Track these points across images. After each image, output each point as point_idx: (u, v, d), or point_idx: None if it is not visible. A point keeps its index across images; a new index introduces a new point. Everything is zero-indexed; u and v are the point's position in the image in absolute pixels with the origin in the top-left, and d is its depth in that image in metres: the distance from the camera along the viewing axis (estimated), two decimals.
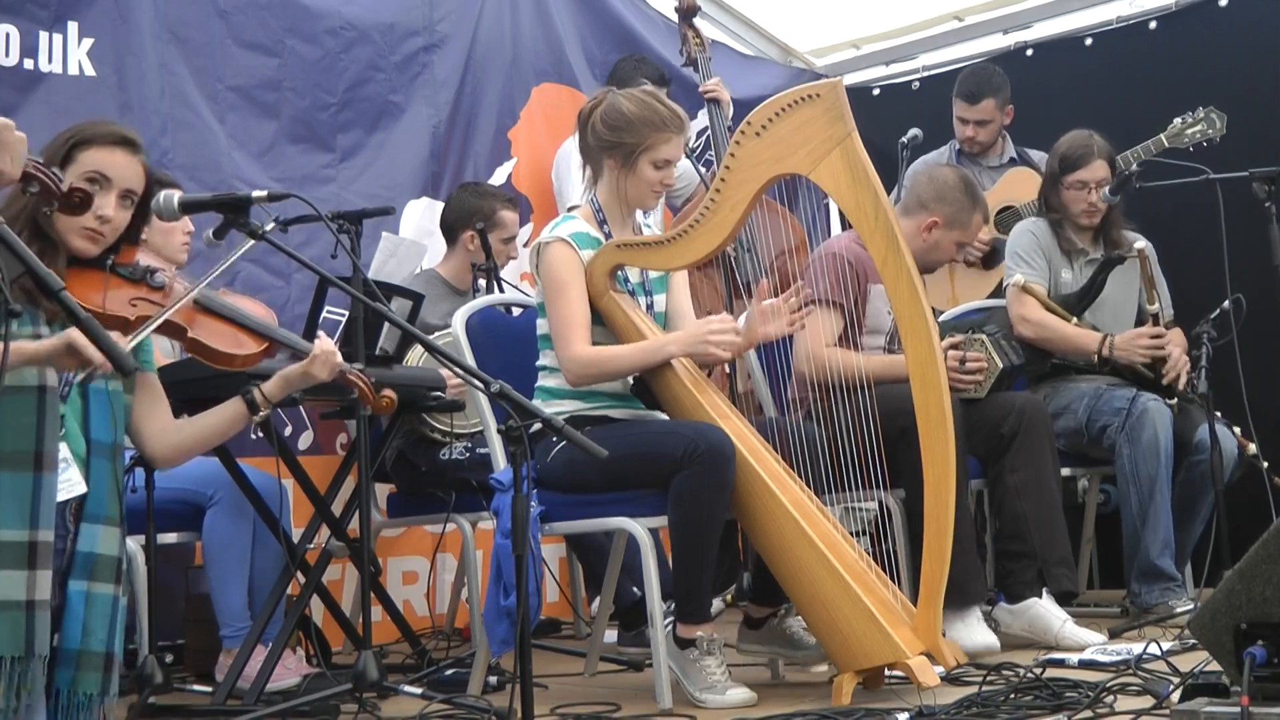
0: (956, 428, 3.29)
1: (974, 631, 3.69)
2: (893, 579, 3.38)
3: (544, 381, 3.59)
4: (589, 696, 3.49)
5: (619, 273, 3.56)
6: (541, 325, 3.58)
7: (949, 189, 4.14)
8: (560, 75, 5.77)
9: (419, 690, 3.34)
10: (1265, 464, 4.35)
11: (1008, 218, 5.29)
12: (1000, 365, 4.06)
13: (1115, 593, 4.80)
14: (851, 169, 3.28)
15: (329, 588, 4.24)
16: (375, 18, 5.17)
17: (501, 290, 4.70)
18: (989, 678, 3.23)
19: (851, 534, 3.44)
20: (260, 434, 4.36)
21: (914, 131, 5.38)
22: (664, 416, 3.54)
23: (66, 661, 2.48)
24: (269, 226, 2.81)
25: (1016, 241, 4.67)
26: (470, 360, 3.67)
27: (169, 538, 3.75)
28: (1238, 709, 2.28)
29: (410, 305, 4.09)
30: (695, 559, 3.31)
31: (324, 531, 3.88)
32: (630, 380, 3.53)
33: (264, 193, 2.84)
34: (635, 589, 4.29)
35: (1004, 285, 4.69)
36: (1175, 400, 4.43)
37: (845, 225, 4.55)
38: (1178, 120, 4.86)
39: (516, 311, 4.12)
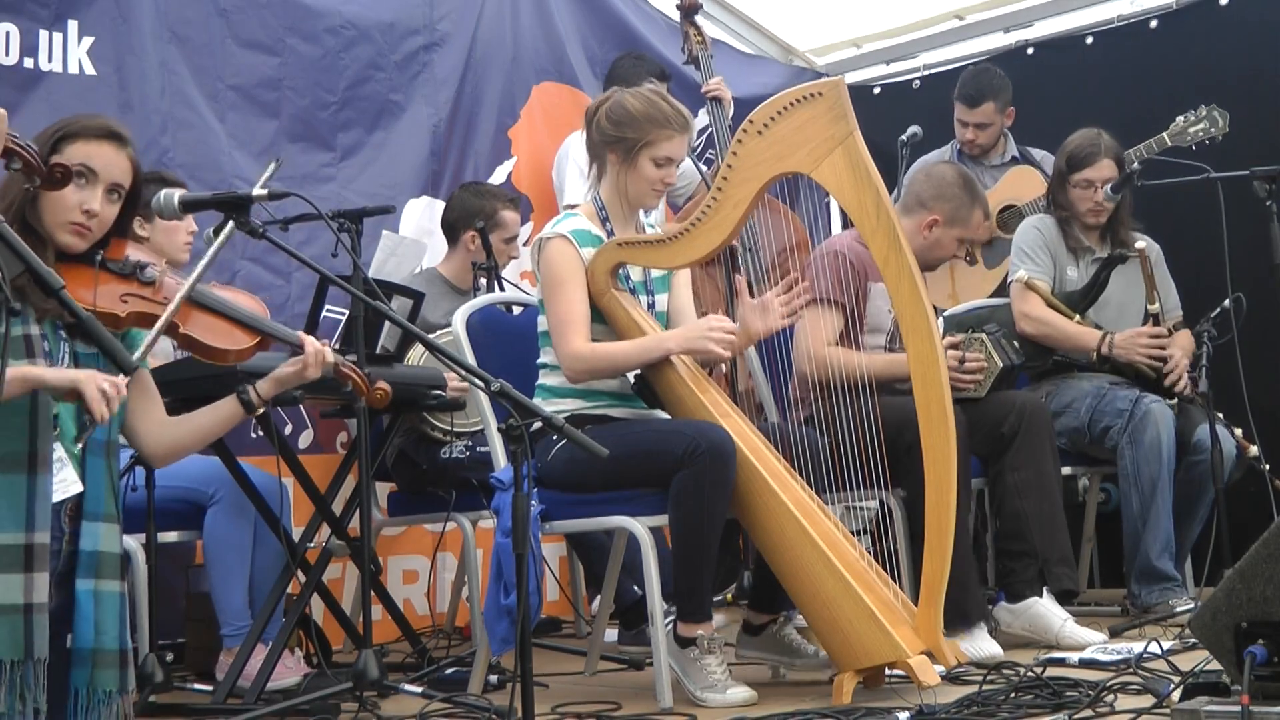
0: (958, 428, 3.29)
1: (977, 641, 3.68)
2: (893, 578, 3.38)
3: (545, 380, 3.59)
4: (590, 695, 3.49)
5: (621, 271, 3.56)
6: (542, 322, 3.58)
7: (948, 186, 4.14)
8: (560, 74, 5.77)
9: (419, 689, 3.34)
10: (1267, 467, 4.35)
11: (1010, 216, 5.29)
12: (1000, 364, 4.06)
13: (1115, 592, 4.80)
14: (853, 168, 3.28)
15: (329, 586, 4.24)
16: (375, 16, 5.16)
17: (502, 289, 4.70)
18: (989, 677, 3.24)
19: (852, 533, 3.44)
20: (261, 433, 4.36)
21: (914, 129, 5.39)
22: (665, 415, 3.54)
23: (82, 661, 2.48)
24: (261, 219, 2.80)
25: (1022, 237, 4.67)
26: (471, 359, 3.67)
27: (169, 536, 3.75)
28: (1238, 708, 2.28)
29: (411, 304, 4.09)
30: (696, 558, 3.31)
31: (324, 530, 3.88)
32: (631, 379, 3.52)
33: (265, 191, 2.84)
34: (636, 588, 4.29)
35: (1008, 281, 4.69)
36: (1175, 400, 4.43)
37: (846, 224, 4.55)
38: (1180, 118, 4.85)
39: (517, 310, 4.12)
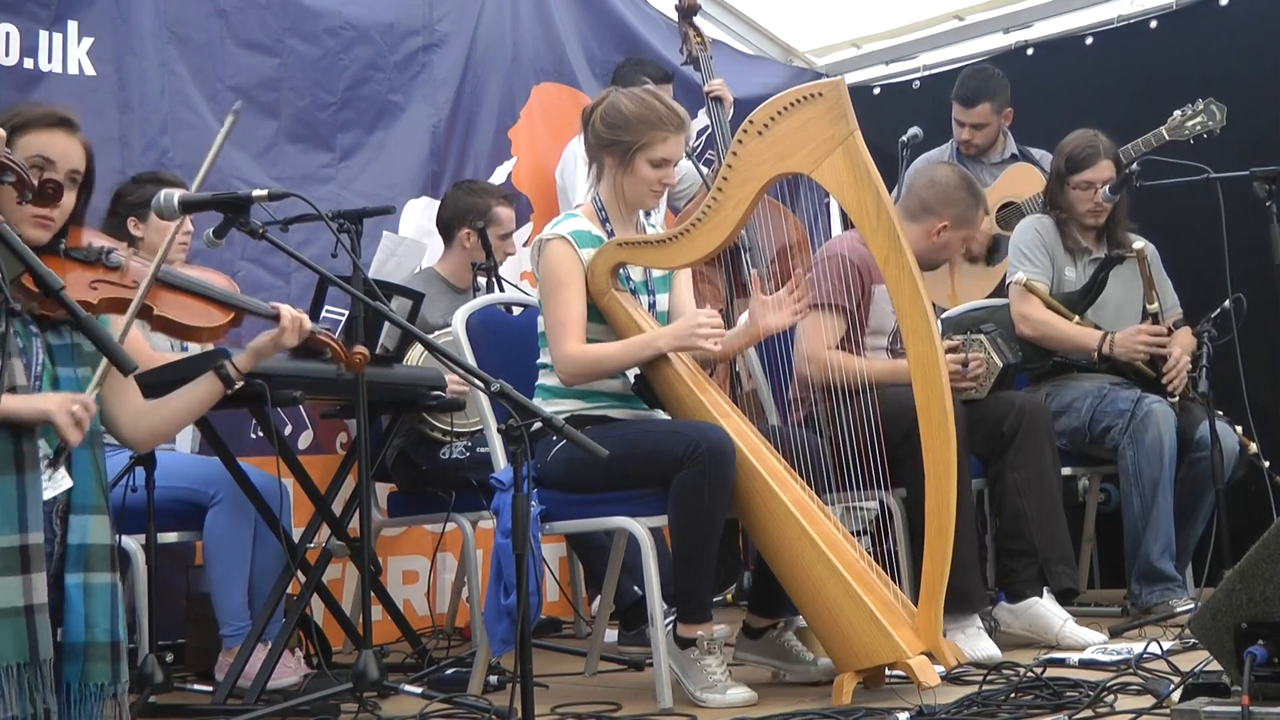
0: (958, 428, 3.29)
1: (975, 642, 3.68)
2: (893, 578, 3.38)
3: (545, 380, 3.59)
4: (589, 696, 3.49)
5: (621, 271, 3.56)
6: (542, 323, 3.58)
7: (953, 190, 4.14)
8: (560, 75, 5.77)
9: (419, 690, 3.33)
10: (1267, 464, 4.35)
11: (1009, 214, 5.29)
12: (999, 364, 4.06)
13: (1116, 592, 4.80)
14: (854, 168, 3.28)
15: (329, 587, 4.24)
16: (375, 17, 5.16)
17: (502, 289, 4.70)
18: (989, 677, 3.24)
19: (852, 533, 3.44)
20: (261, 433, 4.36)
21: (914, 130, 5.39)
22: (664, 416, 3.54)
23: (73, 655, 2.47)
24: (260, 220, 2.79)
25: (1020, 238, 4.67)
26: (470, 359, 3.67)
27: (169, 537, 3.75)
28: (1238, 708, 2.28)
29: (410, 304, 4.09)
30: (696, 558, 3.31)
31: (324, 531, 3.88)
32: (631, 379, 3.52)
33: (264, 192, 2.84)
34: (636, 588, 4.29)
35: (1007, 282, 4.69)
36: (1176, 399, 4.43)
37: (846, 224, 4.55)
38: (1177, 113, 4.86)
39: (517, 310, 4.12)
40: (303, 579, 3.78)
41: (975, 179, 4.41)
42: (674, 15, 5.65)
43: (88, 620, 2.47)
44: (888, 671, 3.31)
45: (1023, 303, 4.54)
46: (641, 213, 3.69)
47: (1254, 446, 4.37)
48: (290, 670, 3.70)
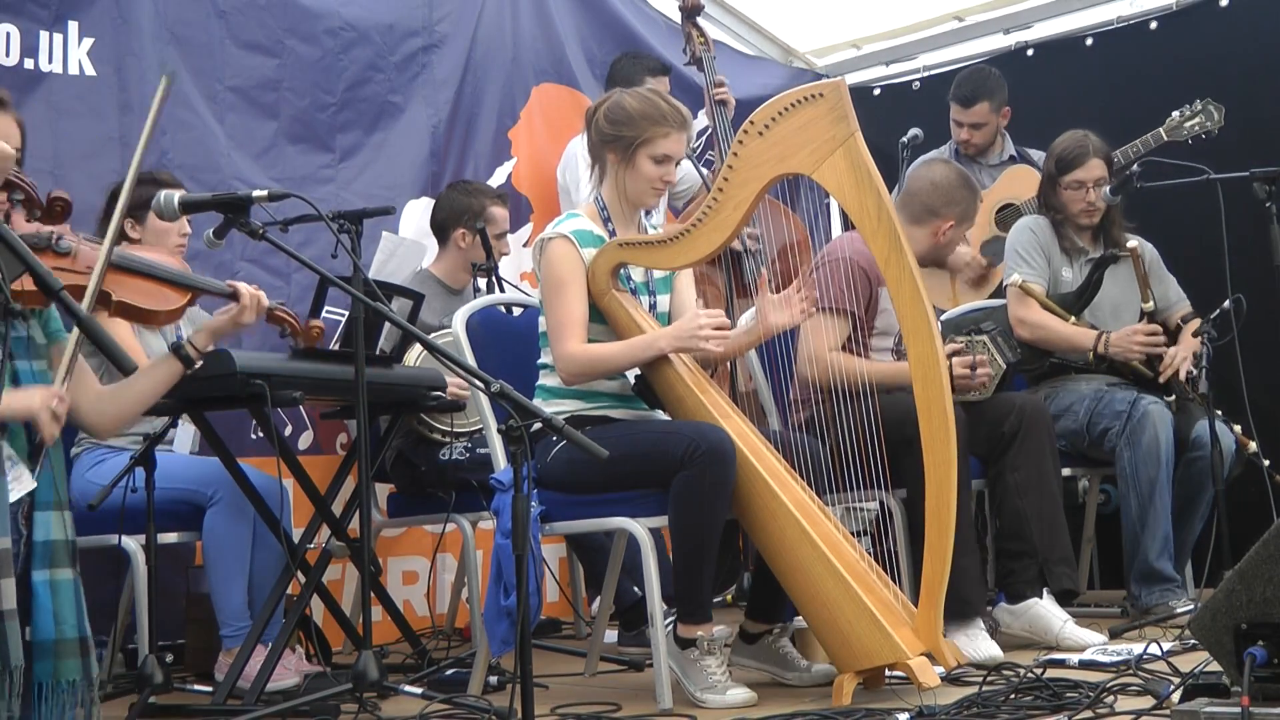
0: (958, 429, 3.29)
1: (977, 643, 3.68)
2: (893, 579, 3.38)
3: (545, 380, 3.59)
4: (589, 696, 3.49)
5: (622, 272, 3.56)
6: (543, 323, 3.58)
7: (954, 189, 4.14)
8: (560, 75, 5.77)
9: (419, 690, 3.33)
10: (1266, 462, 4.35)
11: (1008, 215, 5.29)
12: (1004, 365, 4.06)
13: (1115, 593, 4.80)
14: (854, 169, 3.27)
15: (329, 587, 4.24)
16: (375, 18, 5.16)
17: (502, 289, 4.69)
18: (989, 678, 3.24)
19: (852, 534, 3.44)
20: (261, 434, 4.36)
21: (914, 131, 5.39)
22: (665, 416, 3.54)
23: (44, 653, 2.44)
24: (260, 220, 2.78)
25: (1016, 239, 4.68)
26: (471, 360, 3.67)
27: (169, 537, 3.75)
28: (1238, 709, 2.28)
29: (410, 305, 4.09)
30: (696, 559, 3.31)
31: (324, 531, 3.88)
32: (631, 380, 3.52)
33: (264, 192, 2.83)
34: (636, 589, 4.29)
35: (1003, 284, 4.69)
36: (1174, 397, 4.43)
37: (846, 225, 4.55)
38: (1176, 113, 4.87)
39: (517, 311, 4.12)
40: (303, 579, 3.78)
41: (973, 178, 4.41)
42: (674, 16, 5.65)
43: (56, 617, 2.45)
44: (888, 672, 3.31)
45: (1019, 305, 4.54)
46: (643, 213, 3.69)
47: (1253, 445, 4.37)
48: (290, 671, 3.70)
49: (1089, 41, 5.90)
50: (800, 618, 3.43)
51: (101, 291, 2.64)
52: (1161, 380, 4.44)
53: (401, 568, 5.06)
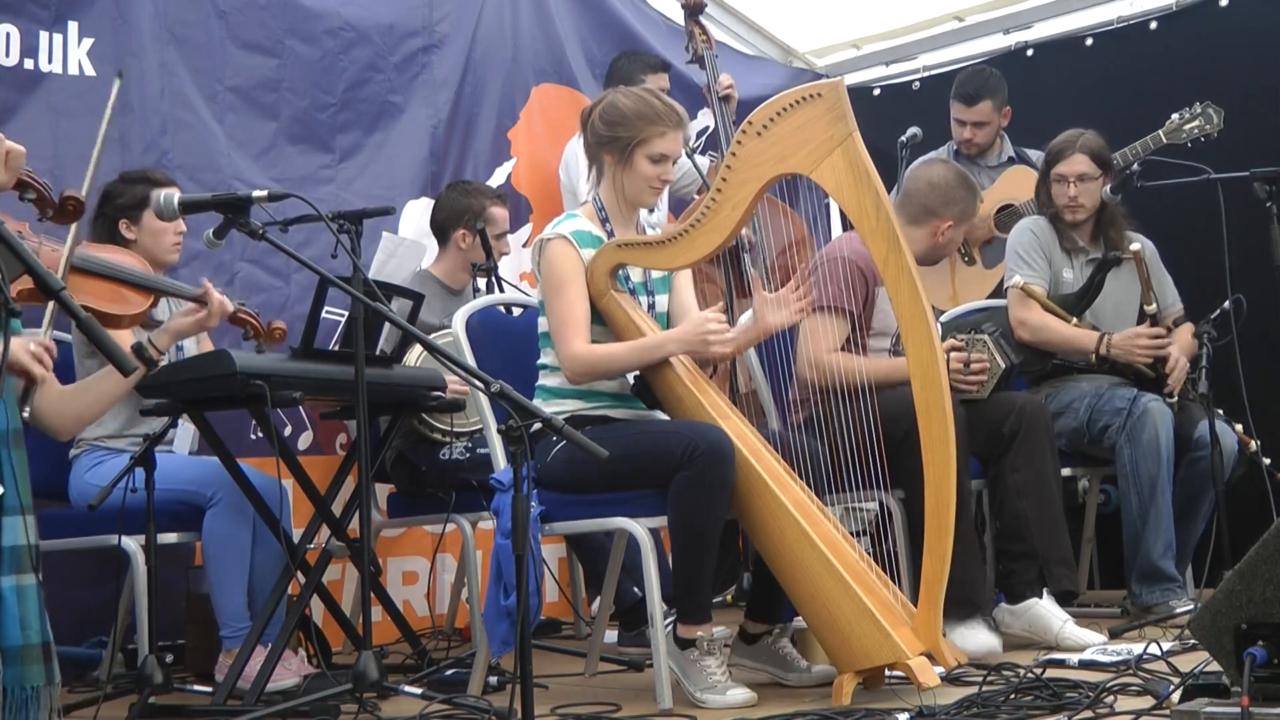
0: (958, 429, 3.29)
1: (976, 635, 3.69)
2: (893, 579, 3.38)
3: (544, 381, 3.59)
4: (589, 697, 3.49)
5: (620, 272, 3.56)
6: (543, 324, 3.58)
7: (952, 189, 4.15)
8: (560, 75, 5.77)
9: (419, 690, 3.33)
10: (1267, 461, 4.35)
11: (1007, 216, 5.30)
12: (1002, 365, 4.06)
13: (1115, 593, 4.80)
14: (853, 169, 3.28)
15: (329, 588, 4.24)
16: (374, 18, 5.16)
17: (502, 290, 4.69)
18: (989, 678, 3.23)
19: (852, 534, 3.44)
20: (260, 434, 4.36)
21: (914, 131, 5.39)
22: (664, 416, 3.54)
23: (11, 659, 2.41)
24: (260, 220, 2.78)
25: (1017, 240, 4.68)
26: (470, 360, 3.67)
27: (169, 538, 3.75)
28: (1238, 709, 2.28)
29: (410, 305, 4.09)
30: (695, 559, 3.31)
31: (324, 531, 3.88)
32: (630, 380, 3.53)
33: (264, 193, 2.83)
34: (635, 589, 4.29)
35: (1004, 286, 4.69)
36: (1175, 398, 4.43)
37: (846, 225, 4.55)
38: (1175, 116, 4.87)
39: (517, 311, 4.12)
40: (302, 580, 3.78)
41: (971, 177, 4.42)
42: (674, 16, 5.65)
43: (22, 623, 2.43)
44: (887, 672, 3.31)
45: (1021, 307, 4.55)
46: (643, 213, 3.69)
47: (1254, 445, 4.38)
48: (290, 671, 3.69)
49: (1089, 42, 5.90)
50: (800, 618, 3.43)
51: None
52: (1172, 390, 4.43)
53: (401, 568, 5.06)
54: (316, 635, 3.88)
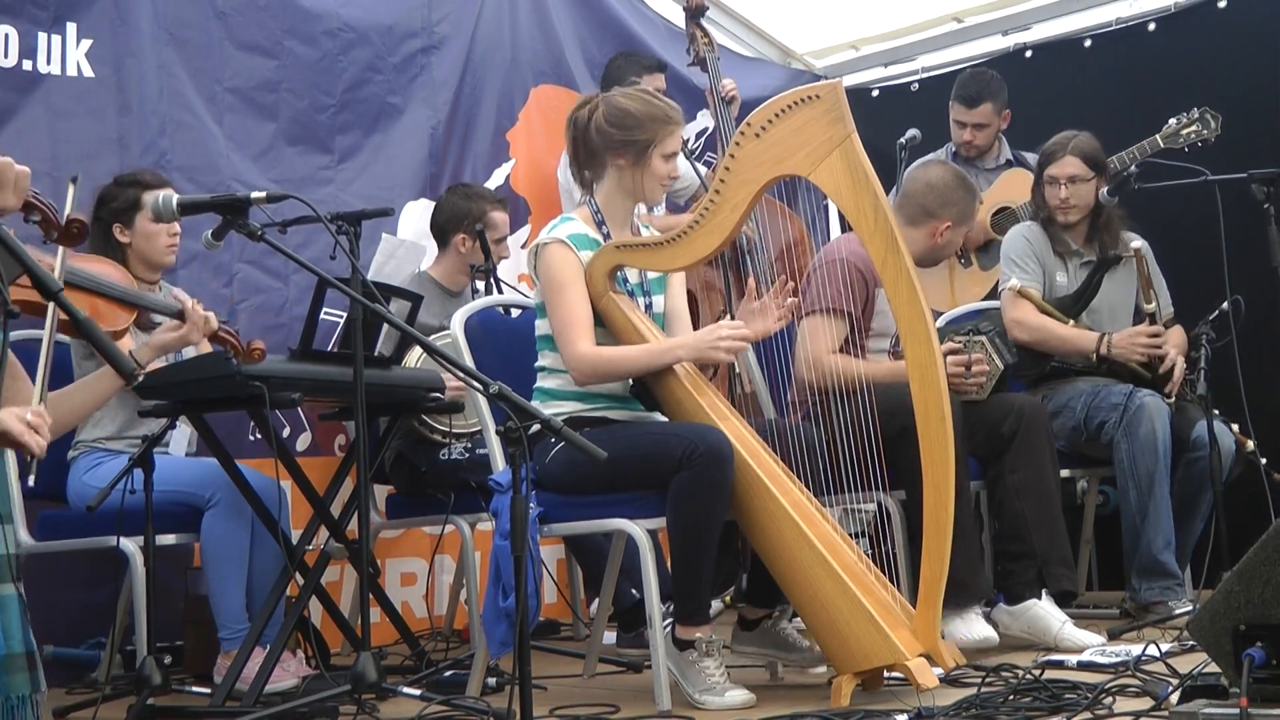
0: (956, 428, 3.29)
1: (972, 626, 3.69)
2: (892, 581, 3.38)
3: (543, 382, 3.59)
4: (588, 698, 3.49)
5: (618, 274, 3.56)
6: (541, 326, 3.58)
7: (951, 190, 4.15)
8: (559, 76, 5.77)
9: (418, 692, 3.33)
10: (1264, 460, 4.36)
11: (1004, 219, 5.30)
12: (1000, 366, 4.06)
13: (1114, 594, 4.80)
14: (851, 170, 3.28)
15: (328, 589, 4.23)
16: (374, 19, 5.16)
17: (500, 291, 4.70)
18: (988, 679, 3.24)
19: (850, 535, 3.44)
20: (259, 435, 4.36)
21: (913, 132, 5.39)
22: (663, 418, 3.54)
23: None
24: (259, 222, 2.78)
25: (1010, 246, 4.69)
26: (469, 361, 3.67)
27: (167, 539, 3.75)
28: (1236, 710, 2.28)
29: (409, 307, 4.09)
30: (694, 560, 3.31)
31: (323, 533, 3.88)
32: (629, 381, 3.53)
33: (263, 194, 2.83)
34: (634, 590, 4.29)
35: (999, 290, 4.70)
36: (1172, 399, 4.43)
37: (844, 226, 4.55)
38: (1173, 121, 4.88)
39: (515, 312, 4.12)
40: (301, 581, 3.78)
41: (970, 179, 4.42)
42: (672, 17, 5.65)
43: (5, 632, 2.41)
44: (886, 673, 3.31)
45: (1016, 309, 4.55)
46: (636, 214, 3.69)
47: (1251, 444, 4.38)
48: (289, 672, 3.69)
49: (1087, 43, 5.91)
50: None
51: (40, 306, 2.57)
52: (1170, 391, 4.43)
53: (400, 569, 5.06)
54: (315, 636, 3.88)
